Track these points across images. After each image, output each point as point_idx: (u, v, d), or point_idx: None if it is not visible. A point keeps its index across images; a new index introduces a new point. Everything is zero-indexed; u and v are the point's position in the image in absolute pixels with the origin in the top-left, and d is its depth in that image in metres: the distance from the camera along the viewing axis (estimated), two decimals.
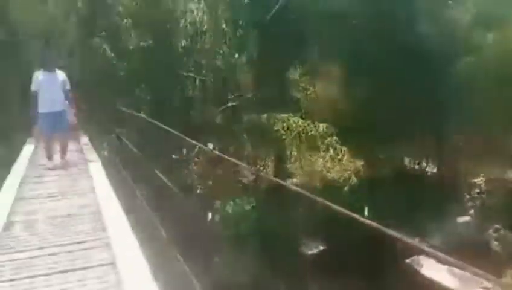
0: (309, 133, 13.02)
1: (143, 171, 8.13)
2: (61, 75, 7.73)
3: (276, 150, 16.56)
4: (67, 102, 7.83)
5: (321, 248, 14.87)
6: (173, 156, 11.66)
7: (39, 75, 7.53)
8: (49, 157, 7.79)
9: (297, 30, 16.01)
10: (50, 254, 4.03)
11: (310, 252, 14.82)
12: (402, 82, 14.27)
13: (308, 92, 18.02)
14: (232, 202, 14.31)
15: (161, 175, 6.33)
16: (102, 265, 3.79)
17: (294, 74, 17.99)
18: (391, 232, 2.23)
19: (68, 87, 7.75)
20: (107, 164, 8.11)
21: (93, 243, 4.28)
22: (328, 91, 17.78)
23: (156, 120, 7.59)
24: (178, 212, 8.78)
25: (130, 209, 5.25)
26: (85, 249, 4.16)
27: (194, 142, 6.37)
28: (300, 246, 14.92)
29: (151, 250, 4.39)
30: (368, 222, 2.31)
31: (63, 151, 7.98)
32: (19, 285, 3.48)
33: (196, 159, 12.69)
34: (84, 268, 3.76)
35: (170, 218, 5.24)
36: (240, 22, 13.43)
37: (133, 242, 4.14)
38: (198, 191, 12.12)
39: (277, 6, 12.04)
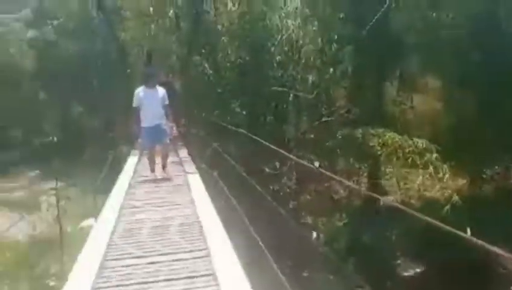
0: (406, 150, 12.55)
1: (239, 183, 8.29)
2: (161, 91, 7.98)
3: (371, 166, 16.21)
4: (166, 116, 8.07)
5: (418, 269, 14.13)
6: (266, 169, 11.82)
7: (140, 92, 7.87)
8: (152, 170, 8.15)
9: (394, 43, 15.68)
10: (151, 263, 4.19)
11: (406, 274, 14.18)
12: (509, 95, 13.36)
13: (406, 107, 17.51)
14: (324, 218, 14.23)
15: (259, 188, 6.37)
16: (203, 275, 3.88)
17: (390, 88, 17.58)
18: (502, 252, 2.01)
19: (167, 102, 7.99)
20: (205, 176, 8.39)
21: (194, 254, 4.39)
22: (427, 105, 17.13)
23: (250, 134, 7.74)
24: (274, 226, 8.84)
25: (227, 221, 5.37)
26: (186, 259, 4.28)
27: (294, 157, 6.36)
28: (396, 267, 14.33)
29: (249, 262, 4.44)
30: (475, 240, 2.10)
31: (164, 163, 8.24)
32: None
33: (289, 174, 12.75)
34: (187, 277, 3.86)
35: (266, 231, 5.29)
36: (335, 37, 13.39)
37: (232, 253, 4.19)
38: (290, 205, 12.16)
39: (373, 21, 11.88)
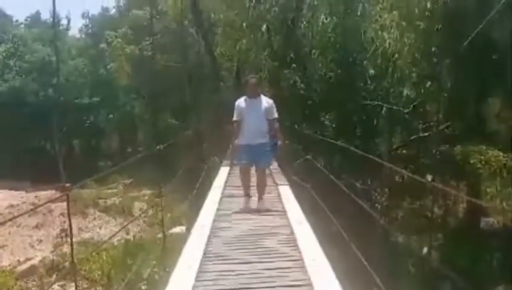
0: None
1: (329, 195, 8.10)
2: (267, 101, 6.77)
3: (471, 185, 15.26)
4: (269, 133, 6.77)
5: None
6: (357, 184, 11.50)
7: (242, 102, 6.76)
8: (246, 194, 6.81)
9: (500, 56, 14.74)
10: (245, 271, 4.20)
11: None
12: None
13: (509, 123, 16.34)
14: (416, 237, 13.57)
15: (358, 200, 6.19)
16: (299, 286, 3.83)
17: (494, 104, 16.50)
18: None
19: (275, 115, 6.77)
20: (296, 188, 8.27)
21: (289, 264, 4.37)
22: None
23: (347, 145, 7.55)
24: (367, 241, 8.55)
25: (321, 232, 5.26)
26: (282, 268, 4.26)
27: (399, 169, 6.09)
28: None
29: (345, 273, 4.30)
30: None
31: (261, 190, 6.80)
32: None
33: (379, 189, 12.33)
34: (283, 286, 3.85)
35: (361, 244, 5.14)
36: (433, 50, 12.81)
37: (327, 265, 4.13)
38: (381, 222, 11.70)
39: (474, 34, 11.22)
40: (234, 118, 6.77)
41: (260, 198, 6.76)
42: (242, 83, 8.01)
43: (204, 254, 4.65)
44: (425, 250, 12.36)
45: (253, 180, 6.83)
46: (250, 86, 6.81)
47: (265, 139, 6.67)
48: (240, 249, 4.85)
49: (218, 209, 6.70)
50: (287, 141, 9.56)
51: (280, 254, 4.64)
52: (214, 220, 6.03)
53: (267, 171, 7.77)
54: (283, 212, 6.44)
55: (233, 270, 4.19)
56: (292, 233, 5.28)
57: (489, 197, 15.21)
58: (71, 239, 4.04)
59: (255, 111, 6.63)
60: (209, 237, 5.23)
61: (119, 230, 15.04)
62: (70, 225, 4.00)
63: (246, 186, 6.83)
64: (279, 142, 6.96)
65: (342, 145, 7.83)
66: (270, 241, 5.09)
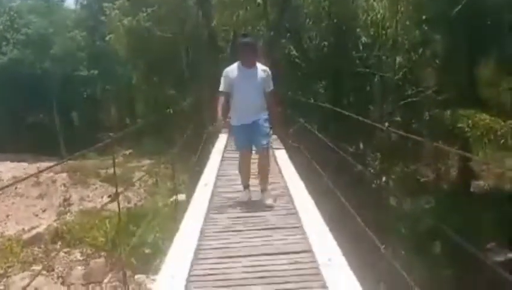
0: (498, 132, 12.06)
1: (323, 159, 8.49)
2: (263, 71, 5.57)
3: (460, 149, 15.72)
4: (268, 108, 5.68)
5: (510, 255, 13.66)
6: (349, 149, 11.91)
7: (232, 71, 5.55)
8: (245, 186, 5.73)
9: (492, 22, 14.96)
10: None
11: (498, 259, 13.73)
12: None
13: (503, 88, 16.69)
14: (409, 200, 14.04)
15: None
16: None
17: (486, 70, 16.79)
18: None
19: (271, 87, 5.61)
20: (291, 150, 8.59)
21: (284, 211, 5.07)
22: None
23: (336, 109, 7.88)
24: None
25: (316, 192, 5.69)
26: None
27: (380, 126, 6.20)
28: (487, 251, 13.92)
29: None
30: None
31: (264, 178, 5.70)
32: None
33: (372, 154, 12.75)
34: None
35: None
36: (424, 17, 13.06)
37: (315, 210, 4.71)
38: (373, 185, 12.17)
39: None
40: (221, 88, 5.57)
41: (264, 189, 5.63)
42: (245, 40, 5.70)
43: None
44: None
45: (253, 167, 5.74)
46: (246, 52, 5.50)
47: (262, 116, 5.52)
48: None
49: (219, 170, 7.08)
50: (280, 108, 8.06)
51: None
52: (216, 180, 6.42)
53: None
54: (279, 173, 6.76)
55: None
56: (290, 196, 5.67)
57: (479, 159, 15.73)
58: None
59: (251, 83, 5.45)
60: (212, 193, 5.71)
61: (119, 193, 15.45)
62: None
63: (245, 176, 5.72)
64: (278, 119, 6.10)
65: (335, 109, 8.04)
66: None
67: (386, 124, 8.78)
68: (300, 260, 3.73)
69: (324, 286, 3.22)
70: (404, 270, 4.00)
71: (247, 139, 5.51)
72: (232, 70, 5.58)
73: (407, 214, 13.32)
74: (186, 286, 3.32)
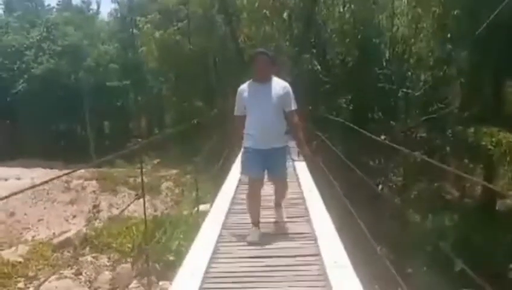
0: None
1: (342, 173, 8.68)
2: (280, 86, 4.67)
3: (485, 167, 15.62)
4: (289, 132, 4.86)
5: None
6: (371, 162, 12.06)
7: (243, 90, 4.75)
8: (254, 222, 4.77)
9: None
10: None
11: None
12: None
13: None
14: (431, 216, 14.03)
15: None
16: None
17: (510, 87, 16.69)
18: None
19: (293, 107, 4.67)
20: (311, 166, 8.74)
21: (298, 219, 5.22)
22: None
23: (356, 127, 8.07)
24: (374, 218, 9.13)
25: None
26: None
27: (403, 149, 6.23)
28: (508, 271, 13.76)
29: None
30: None
31: (279, 200, 5.09)
32: None
33: (395, 170, 12.86)
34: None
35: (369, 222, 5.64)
36: (448, 35, 13.17)
37: (328, 219, 4.90)
38: (395, 200, 12.26)
39: (490, 18, 11.52)
40: (236, 112, 4.82)
41: (278, 204, 5.07)
42: (259, 52, 4.82)
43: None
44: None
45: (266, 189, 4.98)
46: (259, 64, 4.64)
47: (281, 143, 4.71)
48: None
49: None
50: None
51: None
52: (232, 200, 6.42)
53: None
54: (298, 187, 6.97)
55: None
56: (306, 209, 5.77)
57: (507, 179, 15.58)
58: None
59: (265, 101, 4.59)
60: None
61: (132, 201, 15.81)
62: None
63: (254, 209, 4.79)
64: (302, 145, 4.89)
65: (354, 127, 8.18)
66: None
67: (382, 136, 8.87)
68: (308, 262, 4.06)
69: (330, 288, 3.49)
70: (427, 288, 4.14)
71: (260, 164, 4.60)
72: (244, 88, 4.75)
73: (430, 231, 13.32)
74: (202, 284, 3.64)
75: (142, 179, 5.81)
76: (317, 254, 4.18)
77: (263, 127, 4.56)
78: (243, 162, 4.80)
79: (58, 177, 15.20)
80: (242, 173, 4.87)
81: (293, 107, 4.67)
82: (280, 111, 4.62)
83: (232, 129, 4.96)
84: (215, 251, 4.37)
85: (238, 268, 4.04)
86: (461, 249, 13.81)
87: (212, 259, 4.18)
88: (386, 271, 4.12)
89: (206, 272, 3.88)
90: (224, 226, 5.15)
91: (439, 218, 14.96)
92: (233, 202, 6.22)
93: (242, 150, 4.84)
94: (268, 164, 4.63)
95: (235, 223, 5.34)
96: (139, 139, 5.65)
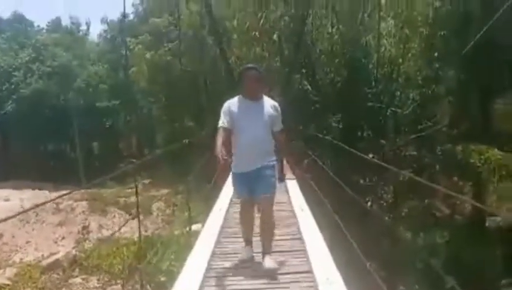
0: (511, 167, 12.20)
1: (332, 191, 8.75)
2: (270, 105, 4.58)
3: (475, 184, 15.76)
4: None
5: None
6: (361, 181, 12.16)
7: (233, 104, 4.53)
8: (247, 241, 4.75)
9: (505, 58, 15.20)
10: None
11: None
12: None
13: None
14: (422, 234, 14.10)
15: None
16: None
17: (500, 104, 16.96)
18: None
19: (281, 126, 4.62)
20: (302, 184, 8.82)
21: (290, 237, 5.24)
22: None
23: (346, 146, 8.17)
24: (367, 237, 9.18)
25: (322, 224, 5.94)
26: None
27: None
28: (500, 288, 13.81)
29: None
30: None
31: (267, 237, 4.55)
32: None
33: (385, 188, 12.96)
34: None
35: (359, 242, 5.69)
36: (436, 54, 13.44)
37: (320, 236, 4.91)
38: (386, 218, 12.33)
39: (476, 38, 11.79)
40: (221, 124, 4.45)
41: (266, 253, 4.48)
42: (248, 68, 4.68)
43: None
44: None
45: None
46: (249, 80, 4.49)
47: (270, 161, 4.51)
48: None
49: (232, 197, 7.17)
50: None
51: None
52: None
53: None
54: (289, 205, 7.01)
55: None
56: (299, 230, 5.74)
57: (495, 196, 15.74)
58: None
59: (256, 119, 4.46)
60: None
61: (126, 222, 15.73)
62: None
63: (247, 229, 4.72)
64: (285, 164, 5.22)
65: (343, 146, 8.27)
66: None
67: (371, 155, 9.01)
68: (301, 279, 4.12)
69: None
70: None
71: (249, 187, 4.47)
72: (233, 103, 4.55)
73: (421, 248, 13.38)
74: None
75: (137, 200, 5.82)
76: (309, 271, 4.27)
77: (253, 146, 4.41)
78: (234, 188, 4.79)
79: (51, 201, 15.10)
80: (237, 197, 4.87)
81: (281, 126, 4.64)
82: (269, 130, 4.53)
83: (214, 144, 4.27)
84: (207, 270, 4.40)
85: (231, 287, 4.09)
86: (452, 266, 13.91)
87: (205, 279, 4.22)
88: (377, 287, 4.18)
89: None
90: (217, 245, 5.20)
91: (430, 235, 15.05)
92: (225, 220, 6.25)
93: (231, 173, 4.68)
94: (254, 185, 4.44)
95: (228, 241, 5.39)
96: (133, 160, 5.67)
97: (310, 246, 4.85)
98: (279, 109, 4.61)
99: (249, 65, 4.80)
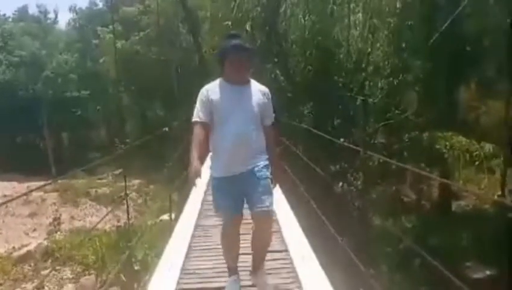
0: (474, 153, 12.69)
1: (305, 176, 8.96)
2: (260, 92, 3.64)
3: (441, 170, 16.29)
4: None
5: (488, 272, 14.08)
6: (331, 167, 12.45)
7: (214, 91, 3.57)
8: (232, 269, 3.74)
9: (472, 47, 15.74)
10: None
11: (475, 276, 14.15)
12: None
13: (481, 112, 17.43)
14: (391, 219, 14.53)
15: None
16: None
17: (466, 93, 17.55)
18: None
19: (271, 119, 3.72)
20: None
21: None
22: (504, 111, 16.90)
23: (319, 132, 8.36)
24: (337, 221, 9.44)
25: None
26: None
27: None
28: (465, 269, 14.36)
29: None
30: None
31: (259, 255, 3.75)
32: None
33: (355, 174, 13.27)
34: None
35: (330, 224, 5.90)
36: (403, 44, 13.79)
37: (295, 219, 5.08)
38: (356, 204, 12.68)
39: (444, 27, 12.16)
40: (196, 117, 3.54)
41: (258, 267, 3.74)
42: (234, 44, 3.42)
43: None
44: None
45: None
46: (235, 57, 3.49)
47: (261, 161, 3.54)
48: None
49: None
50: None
51: None
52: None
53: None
54: None
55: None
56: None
57: (461, 181, 16.33)
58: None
59: (242, 108, 3.53)
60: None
61: (106, 215, 15.73)
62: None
63: (232, 254, 3.71)
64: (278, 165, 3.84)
65: (316, 133, 8.49)
66: None
67: (342, 139, 9.29)
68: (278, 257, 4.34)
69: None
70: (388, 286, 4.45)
71: (236, 197, 3.48)
72: (213, 88, 3.57)
73: (389, 233, 13.78)
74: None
75: (126, 191, 5.83)
76: (285, 250, 4.52)
77: (240, 143, 3.42)
78: (213, 199, 3.61)
79: (26, 193, 14.90)
80: (215, 211, 3.68)
81: (272, 119, 3.71)
82: (259, 123, 3.57)
83: (191, 141, 3.46)
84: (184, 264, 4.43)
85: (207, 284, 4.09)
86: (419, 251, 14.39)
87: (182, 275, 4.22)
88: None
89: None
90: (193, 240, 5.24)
91: (398, 220, 15.53)
92: (203, 207, 6.38)
93: (211, 180, 3.64)
94: (247, 192, 3.47)
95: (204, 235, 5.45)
96: (122, 145, 5.75)
97: (285, 226, 5.05)
98: (270, 96, 3.70)
99: (237, 40, 3.55)
